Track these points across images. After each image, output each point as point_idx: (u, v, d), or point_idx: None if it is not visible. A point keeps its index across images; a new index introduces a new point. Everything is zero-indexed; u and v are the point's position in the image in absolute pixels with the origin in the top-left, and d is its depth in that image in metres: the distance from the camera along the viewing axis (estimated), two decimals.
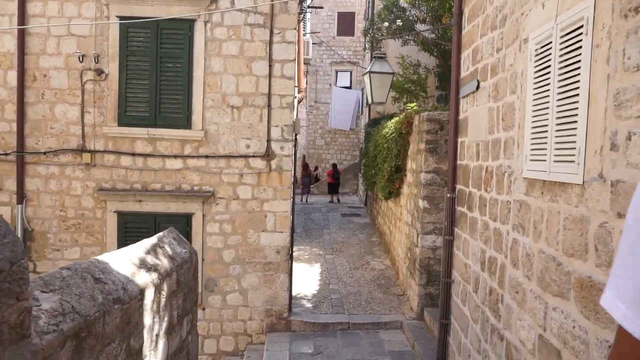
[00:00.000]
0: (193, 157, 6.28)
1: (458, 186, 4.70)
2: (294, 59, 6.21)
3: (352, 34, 22.33)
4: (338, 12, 22.43)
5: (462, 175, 4.56)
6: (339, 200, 17.30)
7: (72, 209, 6.25)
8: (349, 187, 20.91)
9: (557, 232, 2.54)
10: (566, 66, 2.49)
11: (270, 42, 6.16)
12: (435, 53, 11.71)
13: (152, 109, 6.15)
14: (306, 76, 22.91)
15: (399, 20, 11.56)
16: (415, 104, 8.36)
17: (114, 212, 6.24)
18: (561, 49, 2.56)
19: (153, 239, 3.71)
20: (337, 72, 22.55)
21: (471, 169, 4.26)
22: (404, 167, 7.92)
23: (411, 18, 11.71)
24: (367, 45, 14.13)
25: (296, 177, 21.62)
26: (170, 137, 6.22)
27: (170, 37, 6.13)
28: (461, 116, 4.67)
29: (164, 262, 3.56)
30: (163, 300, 3.41)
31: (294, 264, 9.04)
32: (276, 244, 6.41)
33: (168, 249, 3.85)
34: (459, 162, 4.70)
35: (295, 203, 15.83)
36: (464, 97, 4.57)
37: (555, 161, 2.57)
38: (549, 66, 2.68)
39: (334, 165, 18.66)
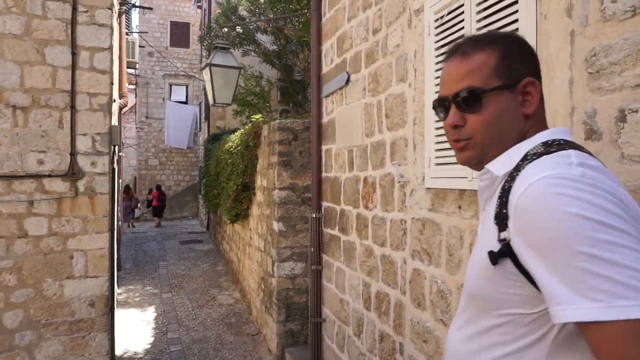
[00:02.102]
0: None
1: (325, 204, 3.89)
2: (109, 47, 4.74)
3: (187, 46, 20.80)
4: (171, 22, 20.68)
5: (330, 191, 3.76)
6: (159, 224, 15.97)
7: None
8: (188, 210, 19.09)
9: None
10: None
11: (73, 22, 4.59)
12: (277, 65, 11.19)
13: None
14: (136, 88, 20.47)
15: (239, 28, 10.71)
16: (260, 115, 7.51)
17: None
18: (479, 12, 1.89)
19: None
20: (171, 86, 20.65)
21: (343, 182, 3.48)
22: (252, 184, 6.93)
23: (251, 27, 10.97)
24: (204, 54, 12.92)
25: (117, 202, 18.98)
26: None
27: None
28: (325, 119, 3.90)
29: None
30: None
31: (122, 311, 7.23)
32: (89, 293, 4.74)
33: None
34: (324, 174, 3.91)
35: (124, 232, 13.58)
36: (327, 95, 3.81)
37: None
38: (462, 37, 2.00)
39: (158, 187, 17.15)
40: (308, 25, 7.37)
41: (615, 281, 0.62)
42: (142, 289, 8.42)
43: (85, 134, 4.69)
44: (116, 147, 5.33)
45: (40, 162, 4.55)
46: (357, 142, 3.18)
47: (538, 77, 0.89)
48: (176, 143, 18.93)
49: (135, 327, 6.62)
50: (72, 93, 4.61)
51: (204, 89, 13.30)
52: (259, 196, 6.54)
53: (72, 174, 4.62)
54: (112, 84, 4.94)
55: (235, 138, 7.92)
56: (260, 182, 6.49)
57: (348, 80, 3.32)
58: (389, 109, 2.73)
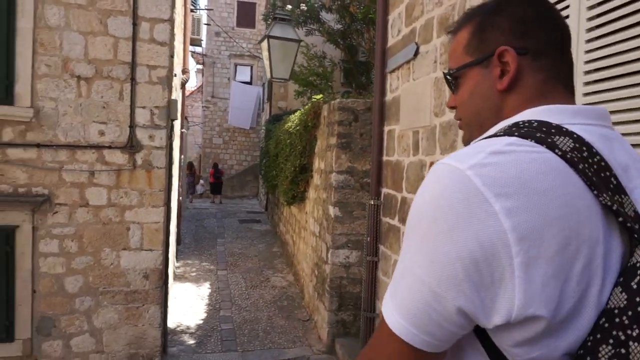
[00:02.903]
0: (17, 145, 4.41)
1: (385, 190, 3.57)
2: (169, 19, 4.66)
3: (253, 26, 20.87)
4: (238, 1, 20.81)
5: (391, 176, 3.43)
6: (220, 202, 16.57)
7: None
8: (249, 190, 19.42)
9: None
10: None
11: None
12: (341, 45, 10.83)
13: None
14: (203, 68, 20.97)
15: (303, 5, 10.46)
16: (322, 95, 7.25)
17: None
18: None
19: None
20: (236, 66, 20.89)
21: (405, 167, 3.14)
22: (310, 166, 6.73)
23: (316, 5, 10.66)
24: None
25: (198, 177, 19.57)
26: None
27: None
28: (389, 97, 3.56)
29: None
30: None
31: (178, 284, 7.39)
32: (143, 266, 4.78)
33: None
34: (385, 158, 3.58)
35: (187, 208, 14.02)
36: (392, 71, 3.45)
37: None
38: None
39: (215, 165, 17.56)
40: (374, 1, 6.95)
41: (393, 281, 0.67)
42: (199, 265, 8.57)
43: (144, 107, 4.67)
44: (174, 122, 5.31)
45: (101, 133, 4.60)
46: (424, 122, 2.82)
47: (530, 40, 0.72)
48: (239, 123, 19.21)
49: (189, 301, 6.72)
50: (133, 65, 4.59)
51: (270, 81, 13.27)
52: (316, 179, 6.33)
53: (131, 146, 4.63)
54: (172, 56, 4.87)
55: (294, 118, 7.75)
56: (318, 164, 6.27)
57: (417, 52, 2.94)
58: None
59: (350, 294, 5.21)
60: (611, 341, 0.55)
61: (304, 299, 6.79)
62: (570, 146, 0.61)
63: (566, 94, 0.73)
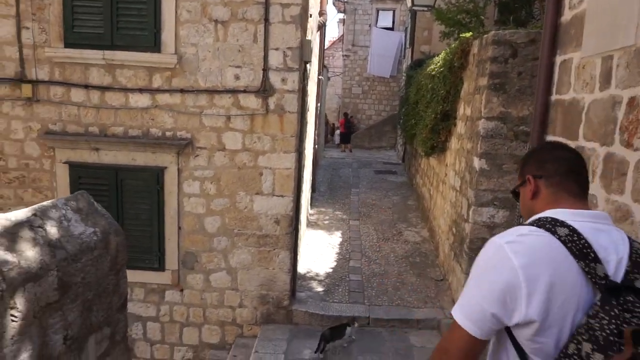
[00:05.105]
0: (164, 91, 4.63)
1: (551, 137, 2.83)
2: None
3: None
4: None
5: (562, 120, 2.68)
6: (351, 150, 16.79)
7: (14, 157, 4.83)
8: (386, 140, 18.92)
9: None
10: None
11: None
12: None
13: (108, 24, 4.48)
14: (344, 17, 20.51)
15: None
16: (471, 33, 6.28)
17: (65, 163, 4.77)
18: None
19: (21, 213, 2.11)
20: (378, 11, 19.93)
21: (586, 107, 2.38)
22: (453, 113, 5.98)
23: None
24: None
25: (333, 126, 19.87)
26: (133, 64, 4.58)
27: None
28: (566, 16, 2.72)
29: (27, 256, 1.96)
30: (14, 325, 1.85)
31: (311, 231, 7.48)
32: (274, 211, 4.79)
33: (52, 230, 2.22)
34: (556, 97, 2.81)
35: (324, 157, 14.21)
36: None
37: None
38: None
39: (346, 114, 17.65)
40: None
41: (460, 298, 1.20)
42: (332, 213, 8.58)
43: (277, 49, 4.49)
44: (308, 65, 5.06)
45: (237, 77, 4.57)
46: (623, 41, 2.03)
47: (543, 171, 1.30)
48: (379, 71, 18.53)
49: (320, 249, 6.75)
50: (266, 4, 4.39)
51: (411, 10, 12.21)
52: (460, 127, 5.61)
53: (264, 90, 4.53)
54: None
55: (438, 60, 6.95)
56: (463, 110, 5.52)
57: None
58: None
59: None
60: (575, 342, 1.03)
61: (439, 258, 6.30)
62: (566, 233, 1.11)
63: (573, 200, 1.23)
